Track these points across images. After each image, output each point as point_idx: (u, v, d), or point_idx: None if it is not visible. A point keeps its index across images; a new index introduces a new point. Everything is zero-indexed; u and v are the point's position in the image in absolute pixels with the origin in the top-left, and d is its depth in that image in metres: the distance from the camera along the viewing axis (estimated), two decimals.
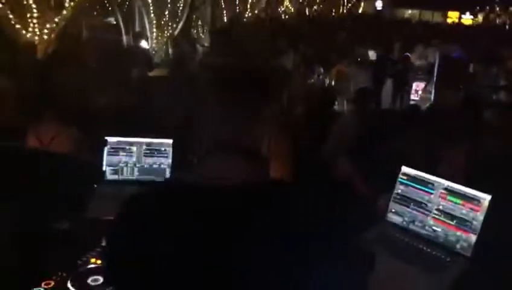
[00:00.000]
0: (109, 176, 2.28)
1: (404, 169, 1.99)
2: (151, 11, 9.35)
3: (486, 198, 1.78)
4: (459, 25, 23.02)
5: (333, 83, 7.97)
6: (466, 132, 3.45)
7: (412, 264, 1.78)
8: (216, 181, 0.87)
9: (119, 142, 2.29)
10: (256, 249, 0.81)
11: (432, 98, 7.43)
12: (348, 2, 22.06)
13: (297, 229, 0.85)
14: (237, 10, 13.49)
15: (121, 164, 2.29)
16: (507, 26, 19.16)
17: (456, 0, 23.57)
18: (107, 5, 9.82)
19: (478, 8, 25.37)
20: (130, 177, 2.29)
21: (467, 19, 25.42)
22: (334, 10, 20.49)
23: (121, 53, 7.08)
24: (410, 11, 26.78)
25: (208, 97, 0.94)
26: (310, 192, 0.93)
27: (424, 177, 1.93)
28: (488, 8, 24.66)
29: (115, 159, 2.29)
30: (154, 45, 9.47)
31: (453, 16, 25.66)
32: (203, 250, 0.82)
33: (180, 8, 9.90)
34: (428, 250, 1.85)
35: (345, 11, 21.85)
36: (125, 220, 0.90)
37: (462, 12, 25.63)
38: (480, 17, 25.65)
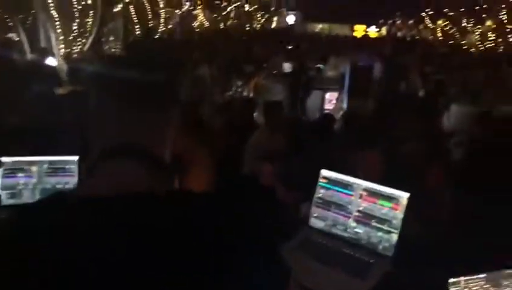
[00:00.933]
0: (5, 201, 2.04)
1: (324, 172, 1.97)
2: (58, 26, 8.87)
3: (404, 196, 1.79)
4: (366, 36, 24.45)
5: (251, 95, 8.01)
6: (379, 136, 3.58)
7: (336, 269, 1.74)
8: (108, 190, 0.76)
9: (16, 163, 2.06)
10: (159, 264, 0.71)
11: (345, 106, 7.69)
12: (261, 17, 22.54)
13: (206, 240, 0.76)
14: (150, 24, 13.22)
15: (19, 187, 2.05)
16: (408, 38, 20.63)
17: (362, 14, 25.03)
18: (8, 19, 9.16)
19: (382, 21, 27.20)
20: (31, 201, 2.05)
21: (373, 31, 27.16)
22: (248, 25, 20.82)
23: (23, 70, 6.62)
24: (320, 25, 28.05)
25: (105, 104, 0.85)
26: (223, 201, 0.85)
27: (343, 180, 1.91)
28: (390, 21, 26.45)
29: (11, 181, 2.05)
30: (61, 62, 8.98)
31: (359, 29, 27.24)
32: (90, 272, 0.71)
33: (90, 22, 9.51)
34: (352, 253, 1.83)
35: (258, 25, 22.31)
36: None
37: (368, 25, 27.33)
38: (384, 30, 27.45)
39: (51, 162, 2.09)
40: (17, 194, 2.05)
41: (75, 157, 2.11)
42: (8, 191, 2.04)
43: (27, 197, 2.06)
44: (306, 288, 1.59)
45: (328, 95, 9.04)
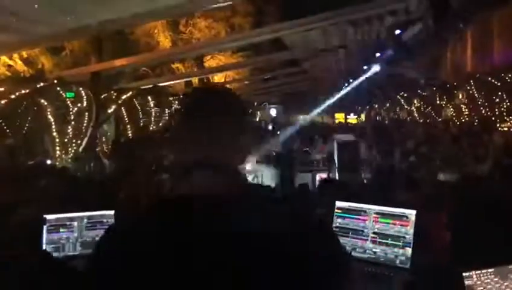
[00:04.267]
0: None
1: (338, 203, 2.21)
2: (54, 130, 9.25)
3: (412, 213, 2.03)
4: (346, 123, 25.87)
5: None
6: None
7: (362, 286, 1.92)
8: (198, 196, 0.98)
9: (58, 219, 2.26)
10: (240, 253, 0.90)
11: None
12: None
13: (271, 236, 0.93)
14: (141, 125, 13.78)
15: (62, 241, 2.24)
16: (386, 121, 21.74)
17: (343, 106, 26.56)
18: (5, 126, 9.53)
19: (359, 108, 28.85)
20: (72, 253, 2.23)
21: (352, 118, 28.74)
22: None
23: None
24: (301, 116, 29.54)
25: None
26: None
27: (356, 207, 2.16)
28: (368, 108, 28.00)
29: (55, 236, 2.23)
30: (57, 163, 9.25)
31: (339, 117, 28.75)
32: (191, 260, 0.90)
33: (84, 125, 9.92)
34: (373, 270, 2.02)
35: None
36: (114, 241, 0.98)
37: (347, 113, 28.97)
38: (362, 116, 28.99)
39: (89, 217, 2.29)
40: (60, 247, 2.22)
41: (111, 212, 2.32)
42: (52, 245, 2.21)
43: (69, 250, 2.23)
44: None
45: (318, 176, 9.39)
